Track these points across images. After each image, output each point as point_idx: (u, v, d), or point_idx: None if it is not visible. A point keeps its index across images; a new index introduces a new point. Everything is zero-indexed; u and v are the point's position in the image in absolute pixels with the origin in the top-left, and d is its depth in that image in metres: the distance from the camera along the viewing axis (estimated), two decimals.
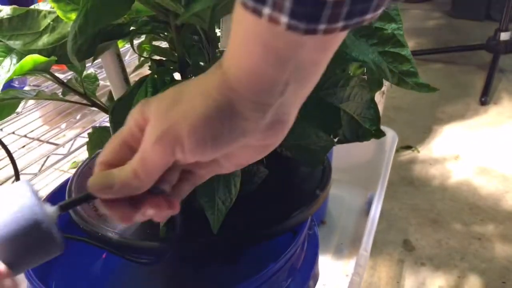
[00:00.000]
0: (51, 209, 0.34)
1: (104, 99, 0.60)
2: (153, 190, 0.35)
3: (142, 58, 0.59)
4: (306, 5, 0.25)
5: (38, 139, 1.03)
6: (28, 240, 0.32)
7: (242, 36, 0.29)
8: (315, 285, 0.64)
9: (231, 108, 0.30)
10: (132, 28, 0.48)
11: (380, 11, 0.28)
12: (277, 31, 0.26)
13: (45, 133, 1.06)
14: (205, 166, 0.36)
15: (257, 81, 0.29)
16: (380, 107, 1.17)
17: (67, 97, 0.58)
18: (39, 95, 0.51)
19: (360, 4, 0.26)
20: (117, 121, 0.44)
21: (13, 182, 0.83)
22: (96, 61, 0.52)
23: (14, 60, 0.45)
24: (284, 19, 0.26)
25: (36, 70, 0.44)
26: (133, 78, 0.61)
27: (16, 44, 0.46)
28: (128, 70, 0.58)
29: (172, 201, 0.37)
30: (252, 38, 0.28)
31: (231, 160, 0.35)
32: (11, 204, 0.32)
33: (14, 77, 0.46)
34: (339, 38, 0.29)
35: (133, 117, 0.34)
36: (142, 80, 0.46)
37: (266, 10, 0.26)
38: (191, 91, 0.32)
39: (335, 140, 0.58)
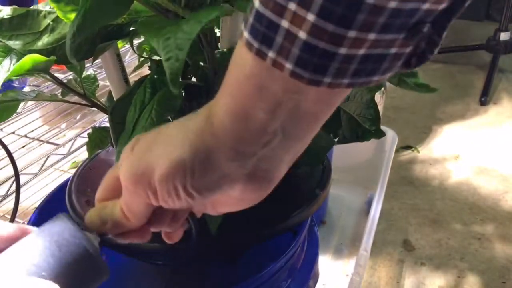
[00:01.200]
0: (93, 237, 0.34)
1: (104, 100, 0.60)
2: None
3: (141, 58, 0.59)
4: (314, 55, 0.24)
5: (38, 139, 1.03)
6: (83, 273, 0.32)
7: (238, 77, 0.27)
8: (315, 285, 0.64)
9: (207, 155, 0.28)
10: (132, 28, 0.48)
11: (387, 75, 0.26)
12: (278, 76, 0.25)
13: (45, 133, 1.06)
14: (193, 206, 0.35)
15: (243, 126, 0.27)
16: (380, 107, 1.17)
17: (67, 98, 0.58)
18: (38, 97, 0.51)
19: (370, 64, 0.25)
20: (117, 122, 0.44)
21: (13, 182, 0.83)
22: (96, 61, 0.52)
23: (14, 60, 0.45)
24: (288, 65, 0.24)
25: (36, 70, 0.44)
26: (133, 78, 0.62)
27: (16, 44, 0.46)
28: (128, 70, 0.58)
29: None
30: (249, 79, 0.26)
31: (214, 206, 0.34)
32: (60, 241, 0.32)
33: (14, 77, 0.46)
34: (342, 94, 0.28)
35: (124, 153, 0.33)
36: (142, 80, 0.46)
37: (271, 54, 0.25)
38: (170, 134, 0.30)
39: (335, 140, 0.58)
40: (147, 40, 0.56)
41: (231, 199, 0.32)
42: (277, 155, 0.29)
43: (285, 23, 0.24)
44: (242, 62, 0.26)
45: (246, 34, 0.25)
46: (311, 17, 0.23)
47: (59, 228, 0.32)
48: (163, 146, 0.30)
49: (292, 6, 0.23)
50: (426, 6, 0.23)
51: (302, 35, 0.23)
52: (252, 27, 0.25)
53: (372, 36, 0.23)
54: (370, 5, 0.22)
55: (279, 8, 0.23)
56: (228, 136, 0.28)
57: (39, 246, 0.31)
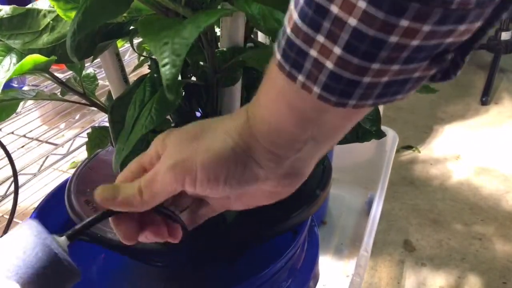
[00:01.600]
0: (61, 240, 0.34)
1: (103, 99, 0.60)
2: (161, 211, 0.36)
3: (141, 58, 0.59)
4: (340, 83, 0.26)
5: (37, 139, 1.03)
6: (50, 274, 0.32)
7: (271, 92, 0.30)
8: (315, 285, 0.63)
9: (248, 153, 0.31)
10: (132, 27, 0.47)
11: (411, 93, 0.28)
12: (306, 96, 0.27)
13: (44, 133, 1.05)
14: (216, 200, 0.37)
15: (277, 136, 0.30)
16: (381, 107, 1.17)
17: (67, 97, 0.57)
18: (38, 96, 0.51)
19: (394, 88, 0.26)
20: (116, 120, 0.44)
21: (12, 182, 0.83)
22: (95, 61, 0.51)
23: (14, 60, 0.45)
24: (316, 89, 0.26)
25: (36, 69, 0.44)
26: (133, 77, 0.61)
27: (15, 43, 0.46)
28: (128, 69, 0.58)
29: (175, 231, 0.38)
30: (281, 97, 0.29)
31: (242, 200, 0.36)
32: (26, 244, 0.32)
33: (14, 76, 0.46)
34: (366, 110, 0.30)
35: (155, 143, 0.35)
36: (141, 79, 0.45)
37: (301, 78, 0.27)
38: (214, 129, 0.33)
39: None
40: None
41: (262, 192, 0.34)
42: (308, 157, 0.32)
43: (313, 53, 0.25)
44: (275, 80, 0.29)
45: (278, 56, 0.28)
46: (337, 50, 0.25)
47: (26, 232, 0.33)
48: (206, 138, 0.32)
49: (321, 38, 0.25)
50: (449, 40, 0.25)
51: (329, 65, 0.25)
52: (284, 51, 0.27)
53: (395, 67, 0.25)
54: (393, 43, 0.24)
55: (308, 39, 0.25)
56: (265, 140, 0.31)
57: (4, 249, 0.31)
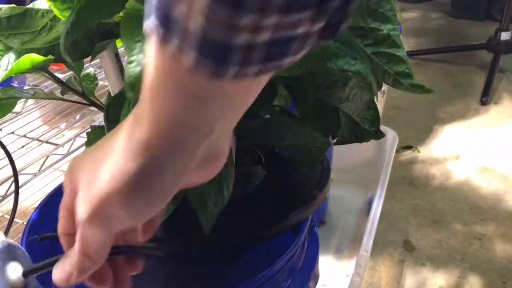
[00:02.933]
0: (15, 280, 0.33)
1: (104, 99, 0.60)
2: (118, 251, 0.36)
3: None
4: (213, 47, 0.22)
5: (37, 139, 1.03)
6: None
7: (154, 83, 0.25)
8: (315, 285, 0.63)
9: (156, 165, 0.27)
10: None
11: (301, 54, 0.24)
12: (191, 75, 0.23)
13: (45, 133, 1.06)
14: None
15: (178, 130, 0.26)
16: (381, 107, 1.17)
17: (66, 97, 0.57)
18: (35, 95, 0.51)
19: (278, 48, 0.23)
20: (112, 119, 0.44)
21: (12, 182, 0.83)
22: (96, 61, 0.51)
23: (12, 59, 0.45)
24: (190, 57, 0.22)
25: (35, 69, 0.44)
26: None
27: (14, 43, 0.46)
28: None
29: (135, 263, 0.38)
30: (169, 83, 0.24)
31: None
32: None
33: (14, 76, 0.46)
34: (261, 82, 0.26)
35: (65, 183, 0.32)
36: None
37: (175, 41, 0.22)
38: (116, 151, 0.29)
39: (334, 141, 0.58)
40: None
41: (191, 182, 0.32)
42: (220, 135, 0.29)
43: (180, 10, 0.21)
44: (156, 66, 0.25)
45: (148, 22, 0.23)
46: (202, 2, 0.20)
47: None
48: (108, 170, 0.29)
49: None
50: None
51: (196, 22, 0.21)
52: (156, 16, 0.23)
53: (273, 20, 0.21)
54: None
55: None
56: (167, 144, 0.27)
57: None
